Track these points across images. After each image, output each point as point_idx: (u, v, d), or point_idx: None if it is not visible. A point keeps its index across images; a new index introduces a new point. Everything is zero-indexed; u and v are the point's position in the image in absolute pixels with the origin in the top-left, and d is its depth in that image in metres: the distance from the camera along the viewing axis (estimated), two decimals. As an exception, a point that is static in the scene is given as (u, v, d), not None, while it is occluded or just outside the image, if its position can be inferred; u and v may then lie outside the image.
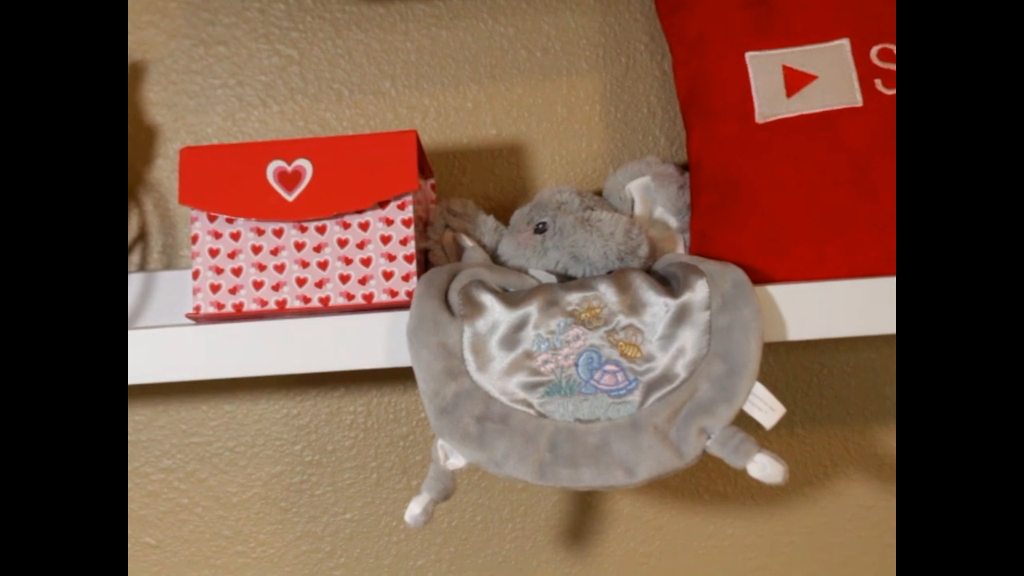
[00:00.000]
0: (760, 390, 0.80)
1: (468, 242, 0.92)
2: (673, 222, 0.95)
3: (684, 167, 0.99)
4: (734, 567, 1.10)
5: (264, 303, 0.87)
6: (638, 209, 0.95)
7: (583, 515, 1.10)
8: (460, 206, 0.96)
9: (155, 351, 0.83)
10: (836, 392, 1.10)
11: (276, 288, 0.87)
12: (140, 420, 1.10)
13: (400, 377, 1.09)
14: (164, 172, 1.09)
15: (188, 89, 1.10)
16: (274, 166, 0.87)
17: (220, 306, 0.87)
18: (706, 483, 1.10)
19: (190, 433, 1.10)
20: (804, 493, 1.10)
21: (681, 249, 0.95)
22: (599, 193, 1.00)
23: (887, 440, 1.10)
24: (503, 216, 1.00)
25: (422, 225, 0.92)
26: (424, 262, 0.93)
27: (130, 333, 0.83)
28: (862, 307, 0.82)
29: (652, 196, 0.96)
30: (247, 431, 1.09)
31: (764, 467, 0.79)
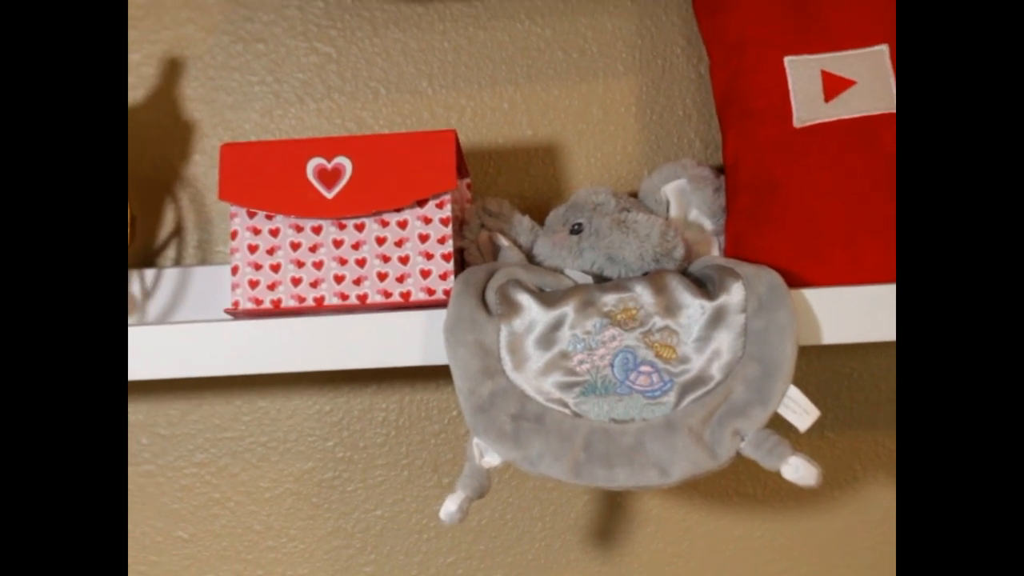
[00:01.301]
0: (795, 393, 0.80)
1: (504, 242, 0.93)
2: (708, 224, 0.96)
3: (719, 170, 0.99)
4: (762, 569, 1.11)
5: (302, 299, 0.87)
6: (673, 211, 0.96)
7: (612, 515, 1.10)
8: (496, 206, 0.96)
9: (193, 345, 0.84)
10: (867, 396, 1.10)
11: (314, 285, 0.88)
12: (174, 415, 1.11)
13: (432, 375, 1.10)
14: (201, 168, 1.10)
15: (226, 86, 1.11)
16: (314, 163, 0.88)
17: (258, 302, 0.88)
18: (735, 485, 1.10)
19: (223, 428, 1.11)
20: (834, 497, 1.10)
21: (716, 251, 0.95)
22: (634, 195, 1.00)
23: (917, 445, 1.10)
24: (538, 216, 1.01)
25: (458, 224, 0.93)
26: (460, 261, 0.93)
27: (166, 327, 0.84)
28: (895, 312, 0.83)
29: (688, 199, 0.96)
30: (280, 427, 1.10)
31: (798, 469, 0.79)
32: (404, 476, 1.10)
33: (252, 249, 0.88)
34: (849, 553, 1.11)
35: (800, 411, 0.81)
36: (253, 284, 0.88)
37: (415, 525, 1.11)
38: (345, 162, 0.88)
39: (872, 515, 1.10)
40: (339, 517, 1.11)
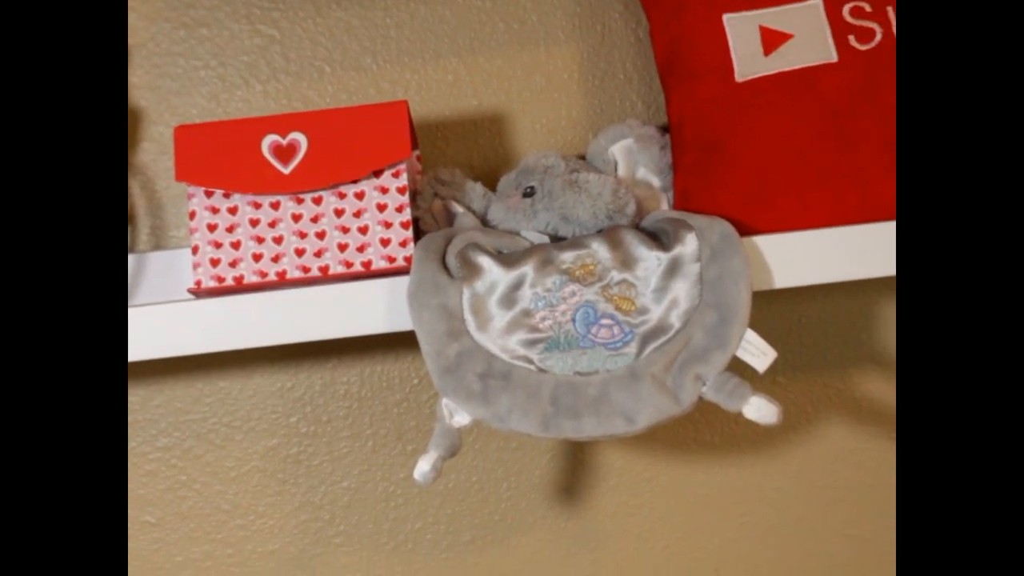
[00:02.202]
0: (752, 336, 0.83)
1: (459, 208, 0.95)
2: (656, 182, 0.98)
3: (663, 129, 1.02)
4: (723, 513, 1.14)
5: (264, 275, 0.89)
6: (621, 171, 0.98)
7: (575, 471, 1.13)
8: (448, 175, 0.98)
9: (157, 327, 0.85)
10: (815, 340, 1.14)
11: (275, 260, 0.89)
12: (135, 401, 1.12)
13: (392, 345, 1.12)
14: (150, 155, 1.11)
15: (171, 72, 1.11)
16: (269, 140, 0.89)
17: (221, 280, 0.89)
18: (693, 434, 1.14)
19: (185, 411, 1.12)
20: (788, 439, 1.14)
21: (665, 207, 0.98)
22: (582, 158, 1.02)
23: (864, 383, 1.14)
24: (488, 185, 1.02)
25: (411, 196, 0.95)
26: (416, 231, 0.95)
27: (130, 311, 0.85)
28: (844, 255, 0.86)
29: (635, 157, 0.99)
30: (242, 406, 1.11)
31: (759, 408, 0.82)
32: (369, 446, 1.12)
33: (211, 228, 0.89)
34: (807, 491, 1.14)
35: (758, 353, 0.84)
36: (214, 263, 0.89)
37: (382, 494, 1.12)
38: (300, 138, 0.89)
39: (825, 455, 1.14)
40: (306, 491, 1.12)
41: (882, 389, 1.14)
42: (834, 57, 0.89)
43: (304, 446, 1.12)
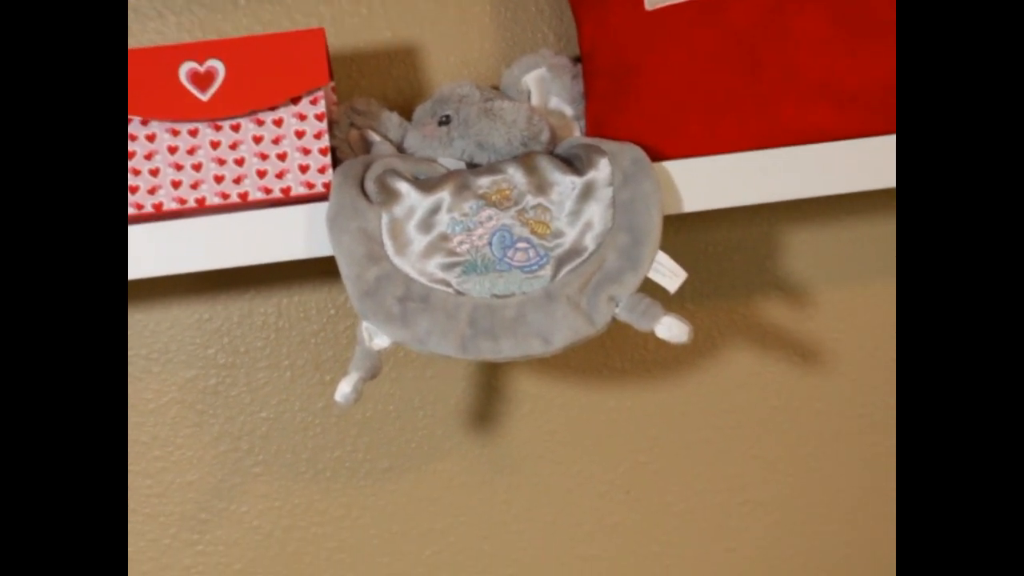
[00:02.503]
0: (663, 257, 0.86)
1: (375, 137, 0.96)
2: (568, 110, 1.00)
3: (575, 59, 1.03)
4: (634, 436, 1.18)
5: (184, 201, 0.89)
6: (534, 100, 1.00)
7: (490, 398, 1.15)
8: (364, 104, 0.99)
9: (76, 254, 0.85)
10: (721, 266, 1.17)
11: (194, 186, 0.89)
12: (50, 333, 1.11)
13: (309, 275, 1.12)
14: (61, 87, 1.10)
15: (81, 3, 1.10)
16: (186, 67, 0.89)
17: (140, 207, 0.89)
18: (604, 360, 1.16)
19: (101, 344, 1.12)
20: (695, 363, 1.17)
21: (578, 135, 1.00)
22: (495, 88, 1.04)
23: (768, 309, 1.18)
24: (403, 116, 1.03)
25: (328, 125, 0.95)
26: (333, 161, 0.96)
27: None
28: (749, 178, 0.89)
29: (548, 87, 1.00)
30: (160, 338, 1.12)
31: (671, 328, 0.85)
32: (287, 377, 1.13)
33: (130, 156, 0.89)
34: (714, 415, 1.18)
35: (669, 274, 0.87)
36: (133, 190, 0.89)
37: (300, 423, 1.14)
38: (218, 65, 0.89)
39: (732, 379, 1.18)
40: (224, 422, 1.13)
41: (785, 314, 1.18)
42: (741, -16, 0.92)
43: (222, 377, 1.13)
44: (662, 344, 1.14)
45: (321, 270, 1.12)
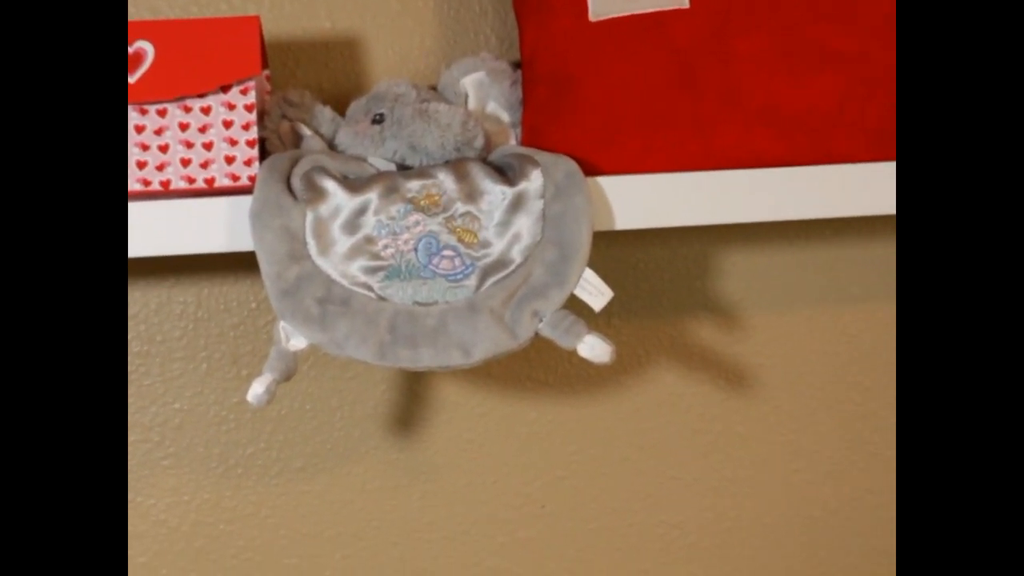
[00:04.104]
0: (590, 275, 0.85)
1: (307, 131, 0.94)
2: (505, 117, 0.99)
3: (516, 65, 1.02)
4: (553, 450, 1.16)
5: (103, 186, 0.87)
6: (472, 103, 0.99)
7: (410, 403, 1.14)
8: (297, 96, 0.97)
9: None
10: (651, 285, 1.16)
11: (115, 171, 0.87)
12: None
13: (231, 266, 1.10)
14: (-15, 56, 1.06)
15: (11, -29, 1.07)
16: (114, 48, 0.86)
17: (56, 188, 0.86)
18: (528, 371, 1.15)
19: (12, 323, 1.09)
20: (619, 381, 1.16)
21: (513, 142, 0.98)
22: (433, 88, 1.02)
23: (696, 330, 1.17)
24: (337, 110, 1.01)
25: (259, 116, 0.93)
26: (262, 152, 0.94)
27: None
28: (684, 199, 0.88)
29: (486, 91, 0.99)
30: (73, 321, 1.09)
31: (593, 347, 0.84)
32: (203, 369, 1.11)
33: (48, 134, 0.87)
34: (634, 434, 1.17)
35: (595, 292, 0.85)
36: (50, 170, 0.86)
37: (214, 417, 1.11)
38: (147, 47, 0.87)
39: (655, 397, 1.17)
40: (136, 411, 1.10)
41: (713, 336, 1.17)
42: (686, 3, 0.90)
43: (136, 365, 1.10)
44: (585, 359, 1.13)
45: (244, 262, 1.10)
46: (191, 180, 0.87)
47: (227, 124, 0.87)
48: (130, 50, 0.86)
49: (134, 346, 1.09)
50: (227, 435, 1.12)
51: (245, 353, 1.11)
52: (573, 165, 0.86)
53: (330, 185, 0.85)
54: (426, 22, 1.10)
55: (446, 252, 0.85)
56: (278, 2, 1.08)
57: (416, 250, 0.84)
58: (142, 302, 1.09)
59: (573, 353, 0.83)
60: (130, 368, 1.09)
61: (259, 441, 1.12)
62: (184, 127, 0.87)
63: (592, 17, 0.91)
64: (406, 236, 0.84)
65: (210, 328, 1.11)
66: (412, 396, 1.14)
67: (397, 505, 1.14)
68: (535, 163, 0.86)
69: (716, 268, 1.17)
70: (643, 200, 0.88)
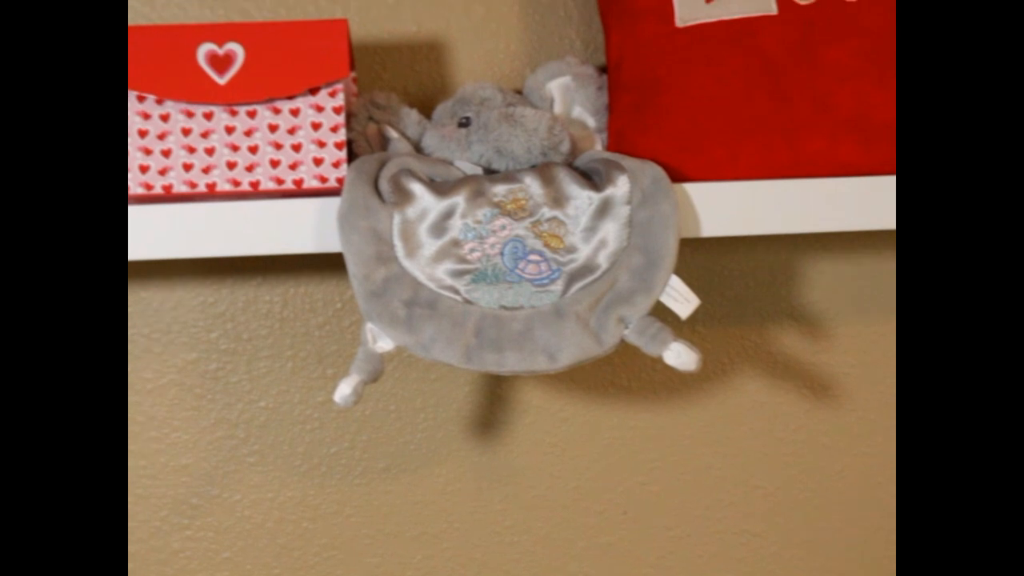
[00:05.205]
0: (676, 282, 0.85)
1: (393, 133, 0.94)
2: (591, 121, 0.98)
3: (601, 69, 1.01)
4: (635, 456, 1.16)
5: (194, 185, 0.88)
6: (557, 108, 0.98)
7: (493, 406, 1.14)
8: (384, 99, 0.97)
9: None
10: (735, 292, 1.15)
11: (206, 171, 0.88)
12: (53, 306, 1.10)
13: (317, 267, 1.11)
14: (81, 57, 1.08)
15: (108, -26, 1.08)
16: (205, 49, 0.87)
17: (149, 187, 0.88)
18: (611, 377, 1.15)
19: (104, 320, 1.10)
20: (703, 388, 1.15)
21: (599, 147, 0.98)
22: (518, 92, 1.02)
23: (781, 338, 1.16)
24: (423, 112, 1.02)
25: (345, 117, 0.94)
26: (348, 154, 0.94)
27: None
28: (771, 207, 0.87)
29: (572, 96, 0.99)
30: (163, 318, 1.10)
31: (679, 354, 0.83)
32: (288, 368, 1.12)
33: (142, 134, 0.88)
34: (718, 441, 1.16)
35: (681, 299, 0.85)
36: (144, 169, 0.88)
37: (299, 416, 1.12)
38: (237, 48, 0.88)
39: (738, 406, 1.16)
40: (223, 408, 1.11)
41: (798, 344, 1.16)
42: (774, 10, 0.90)
43: (223, 363, 1.11)
44: (670, 366, 1.12)
45: (330, 263, 1.10)
46: (280, 181, 0.88)
47: (315, 126, 0.88)
48: (220, 52, 0.87)
49: (221, 343, 1.11)
50: (312, 434, 1.12)
51: (330, 353, 1.12)
52: (660, 171, 0.86)
53: (417, 188, 0.85)
54: (511, 26, 1.10)
55: (532, 256, 0.85)
56: (365, 5, 1.08)
57: (502, 254, 0.84)
58: (229, 300, 1.11)
59: (656, 359, 0.83)
60: (216, 365, 1.11)
61: (343, 440, 1.13)
62: (273, 128, 0.88)
63: (679, 23, 0.91)
64: (492, 240, 0.84)
65: (296, 327, 1.11)
66: (495, 399, 1.14)
67: (479, 507, 1.15)
68: (622, 168, 0.86)
69: (801, 276, 1.15)
70: (730, 207, 0.87)
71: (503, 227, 0.85)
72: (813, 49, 0.88)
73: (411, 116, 0.97)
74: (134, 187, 0.87)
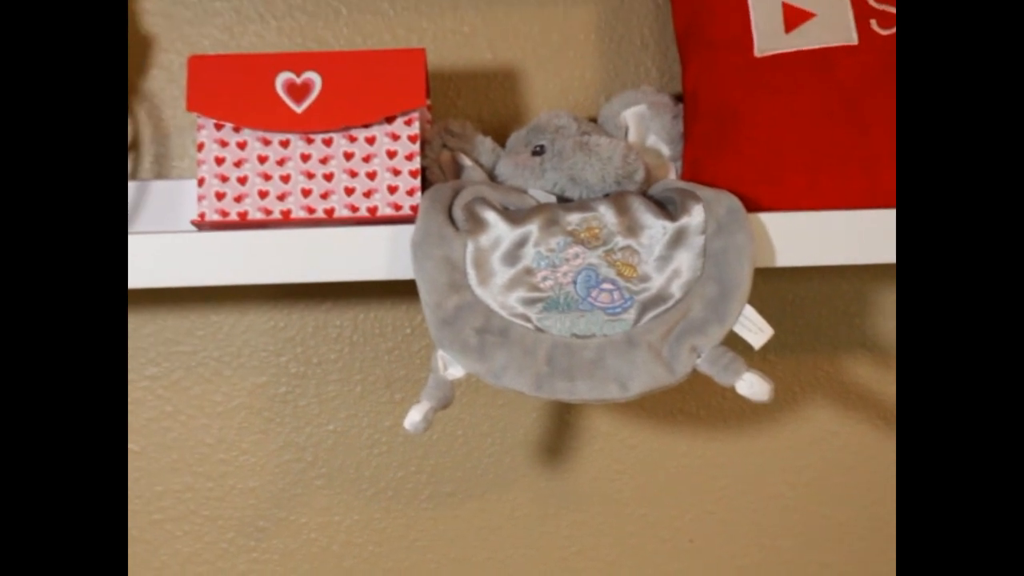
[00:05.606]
0: (750, 312, 0.84)
1: (467, 161, 0.95)
2: (666, 150, 0.98)
3: (677, 98, 1.01)
4: (703, 484, 1.15)
5: (269, 212, 0.89)
6: (632, 136, 0.98)
7: (560, 432, 1.13)
8: (458, 127, 0.98)
9: (159, 256, 0.85)
10: (808, 320, 1.14)
11: (281, 198, 0.89)
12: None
13: (387, 292, 1.11)
14: (158, 82, 1.10)
15: (185, 0, 1.10)
16: (283, 77, 0.89)
17: (225, 214, 0.89)
18: (680, 404, 1.14)
19: (176, 342, 1.12)
20: (773, 417, 1.15)
21: (673, 176, 0.98)
22: (593, 120, 1.02)
23: (854, 368, 1.15)
24: (496, 141, 1.02)
25: (420, 145, 0.94)
26: (422, 181, 0.95)
27: (131, 238, 0.84)
28: (850, 237, 0.86)
29: (647, 124, 0.98)
30: (233, 342, 1.11)
31: (752, 385, 0.83)
32: (357, 392, 1.12)
33: (219, 161, 0.89)
34: (787, 471, 1.15)
35: (755, 329, 0.84)
36: (219, 196, 0.89)
37: (367, 440, 1.13)
38: (314, 77, 0.89)
39: (808, 436, 1.15)
40: (291, 431, 1.12)
41: (871, 375, 1.15)
42: (854, 40, 0.89)
43: (292, 386, 1.12)
44: (740, 395, 1.12)
45: (399, 289, 1.11)
46: (354, 209, 0.89)
47: (391, 154, 0.89)
48: (298, 80, 0.88)
49: (290, 367, 1.12)
50: (379, 458, 1.13)
51: (399, 378, 1.12)
52: (735, 201, 0.85)
53: (491, 216, 0.85)
54: (587, 54, 1.10)
55: (605, 285, 0.84)
56: (440, 33, 1.09)
57: (575, 282, 0.84)
58: (299, 324, 1.12)
59: (731, 388, 0.82)
60: (286, 389, 1.12)
61: (410, 465, 1.13)
62: (349, 156, 0.89)
63: (758, 53, 0.90)
64: (565, 268, 0.84)
65: (365, 352, 1.12)
66: (563, 425, 1.14)
67: (545, 533, 1.14)
68: (697, 198, 0.85)
69: (874, 305, 1.14)
70: (806, 237, 0.87)
71: (576, 255, 0.85)
72: (890, 79, 0.88)
73: (485, 144, 0.97)
74: (210, 213, 0.89)
